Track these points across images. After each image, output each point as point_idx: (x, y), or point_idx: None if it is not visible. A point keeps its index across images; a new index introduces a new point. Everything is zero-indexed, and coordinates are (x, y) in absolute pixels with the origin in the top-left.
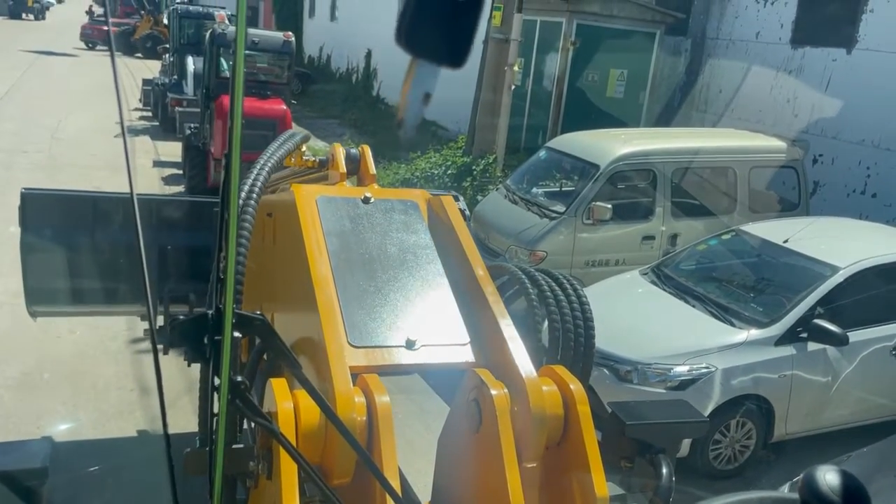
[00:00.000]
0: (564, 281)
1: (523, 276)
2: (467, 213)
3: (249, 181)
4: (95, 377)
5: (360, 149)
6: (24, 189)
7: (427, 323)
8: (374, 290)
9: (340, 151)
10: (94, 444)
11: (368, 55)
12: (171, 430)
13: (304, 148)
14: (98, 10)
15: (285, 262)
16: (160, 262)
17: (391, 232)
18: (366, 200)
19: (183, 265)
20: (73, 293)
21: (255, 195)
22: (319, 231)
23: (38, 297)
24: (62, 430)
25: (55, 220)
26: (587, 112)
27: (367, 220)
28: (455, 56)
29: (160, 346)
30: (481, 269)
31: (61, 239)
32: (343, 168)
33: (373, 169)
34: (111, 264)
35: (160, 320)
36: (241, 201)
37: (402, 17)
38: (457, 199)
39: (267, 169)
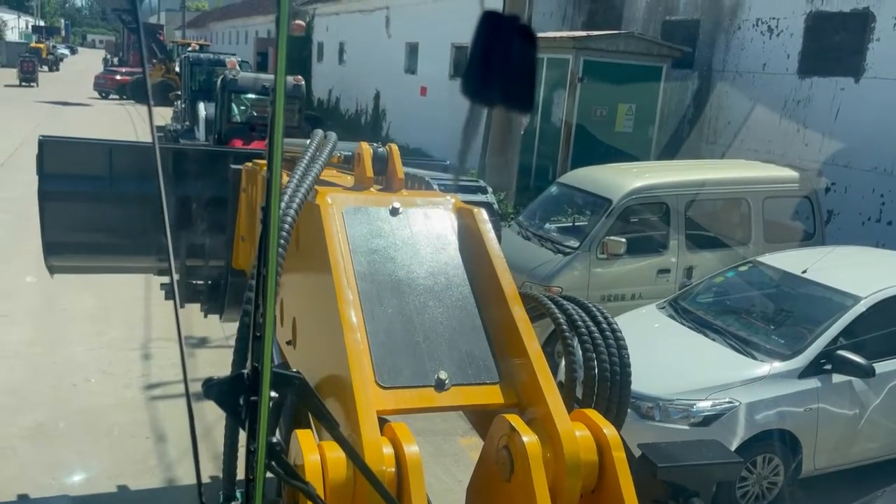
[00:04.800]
0: (602, 319)
1: (558, 313)
2: (496, 206)
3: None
4: (110, 425)
5: (387, 148)
6: (42, 136)
7: (457, 359)
8: (403, 319)
9: (368, 152)
10: (112, 498)
11: (377, 97)
12: (185, 482)
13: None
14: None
15: (308, 274)
16: (176, 213)
17: (420, 250)
18: (394, 212)
19: (199, 216)
20: (91, 245)
21: (282, 240)
22: (346, 250)
23: (56, 249)
24: (78, 481)
25: (73, 168)
26: (596, 147)
27: (396, 236)
28: (525, 103)
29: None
30: (513, 295)
31: (79, 187)
32: (371, 172)
33: (401, 171)
34: (128, 215)
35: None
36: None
37: (469, 73)
38: (485, 191)
39: (294, 207)
